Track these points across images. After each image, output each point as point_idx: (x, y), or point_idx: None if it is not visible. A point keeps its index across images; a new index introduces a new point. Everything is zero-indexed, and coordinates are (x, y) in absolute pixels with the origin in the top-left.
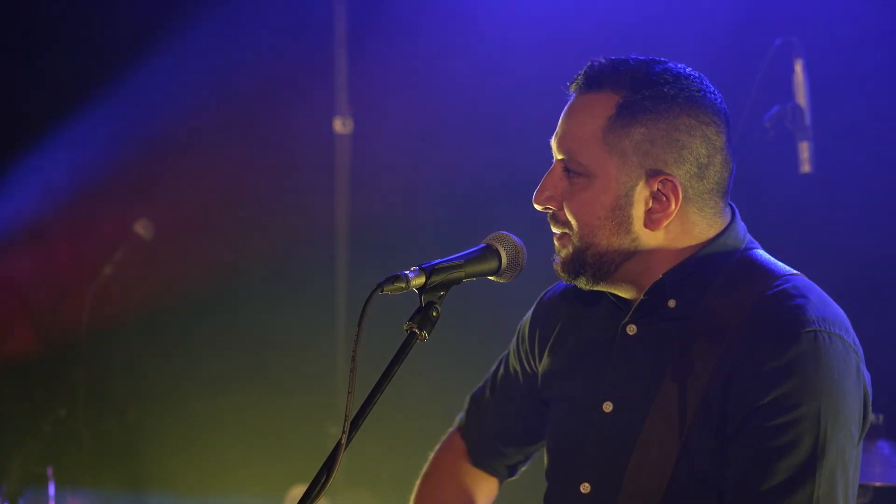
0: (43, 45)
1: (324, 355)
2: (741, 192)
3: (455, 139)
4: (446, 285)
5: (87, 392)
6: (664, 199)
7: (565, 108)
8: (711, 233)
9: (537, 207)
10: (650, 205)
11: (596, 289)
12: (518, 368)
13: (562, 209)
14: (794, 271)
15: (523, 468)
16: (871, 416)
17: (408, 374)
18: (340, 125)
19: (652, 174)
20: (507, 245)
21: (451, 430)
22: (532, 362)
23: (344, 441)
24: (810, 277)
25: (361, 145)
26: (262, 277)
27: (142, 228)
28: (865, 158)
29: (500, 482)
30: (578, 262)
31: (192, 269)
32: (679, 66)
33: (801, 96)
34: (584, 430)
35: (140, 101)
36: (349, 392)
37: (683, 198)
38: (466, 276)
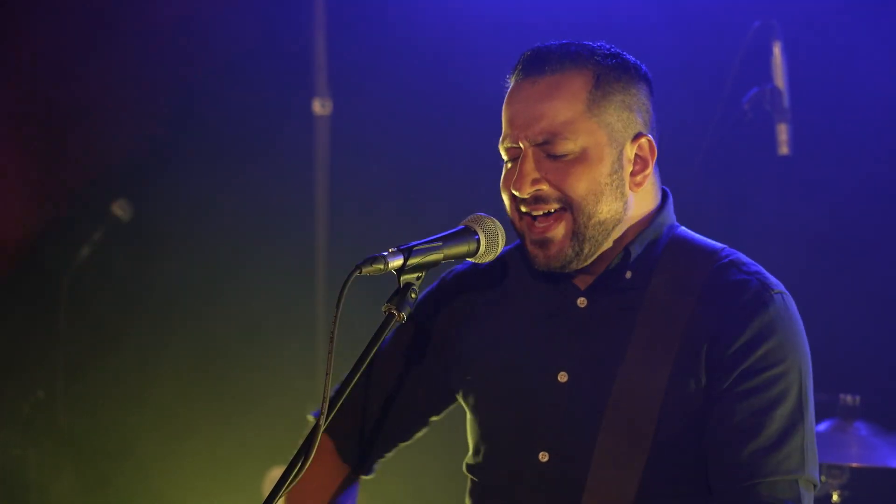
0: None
1: (303, 336)
2: (720, 174)
3: (435, 120)
4: (424, 267)
5: (66, 374)
6: (642, 160)
7: (523, 94)
8: (658, 201)
9: (520, 195)
10: (632, 167)
11: (583, 266)
12: (412, 351)
13: (551, 188)
14: (725, 245)
15: (377, 467)
16: (849, 398)
17: None
18: (319, 107)
19: (634, 137)
20: (485, 227)
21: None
22: (435, 343)
23: (322, 423)
24: (789, 260)
25: (340, 127)
26: (241, 260)
27: (119, 209)
28: (844, 140)
29: (359, 478)
30: (580, 237)
31: (170, 252)
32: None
33: (780, 78)
34: (538, 400)
35: (116, 82)
36: (327, 373)
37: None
38: (445, 258)
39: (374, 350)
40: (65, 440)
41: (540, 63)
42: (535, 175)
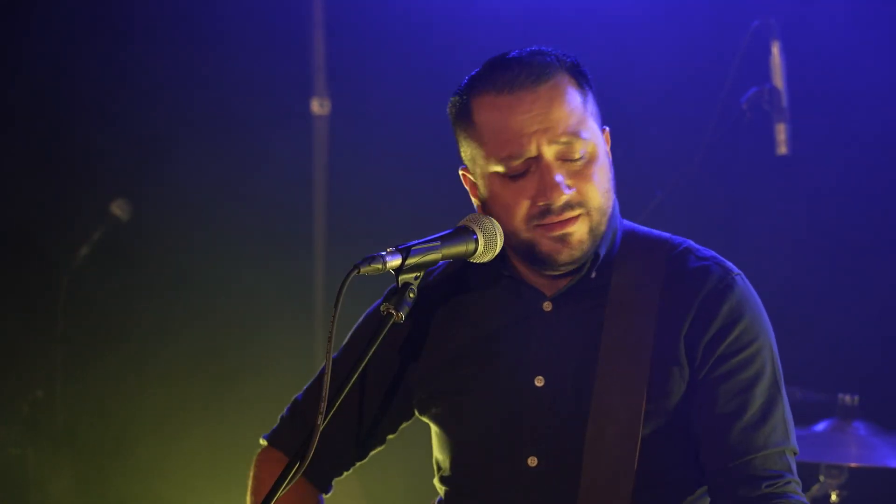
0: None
1: (301, 336)
2: (718, 174)
3: (433, 120)
4: (423, 266)
5: (65, 373)
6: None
7: (525, 106)
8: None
9: (557, 204)
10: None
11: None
12: (366, 371)
13: (578, 193)
14: (669, 233)
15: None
16: (848, 398)
17: None
18: (318, 106)
19: (603, 129)
20: (483, 226)
21: (260, 450)
22: (391, 362)
23: (320, 422)
24: (788, 260)
25: (339, 127)
26: (239, 260)
27: (118, 209)
28: (842, 140)
29: (321, 495)
30: (595, 235)
31: (168, 251)
32: None
33: (778, 78)
34: (516, 406)
35: (115, 80)
36: (326, 373)
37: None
38: (443, 258)
39: (372, 350)
40: (63, 439)
41: (527, 73)
42: (568, 181)
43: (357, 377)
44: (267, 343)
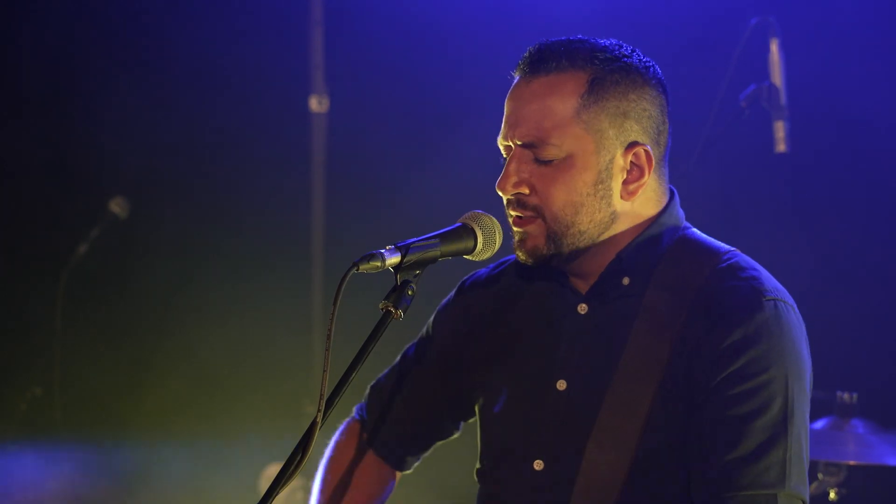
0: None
1: (299, 334)
2: (716, 172)
3: (432, 117)
4: (422, 264)
5: (63, 371)
6: (638, 168)
7: (517, 92)
8: (662, 204)
9: (503, 195)
10: (626, 176)
11: (558, 269)
12: (436, 354)
13: (532, 193)
14: (733, 248)
15: (417, 464)
16: (846, 396)
17: (386, 352)
18: (316, 104)
19: (629, 145)
20: (482, 224)
21: (348, 419)
22: (454, 348)
23: (319, 419)
24: (786, 258)
25: (337, 124)
26: (237, 257)
27: (117, 206)
28: (841, 138)
29: (396, 475)
30: (554, 244)
31: (166, 248)
32: (627, 44)
33: (777, 75)
34: (537, 408)
35: (114, 79)
36: (324, 371)
37: (654, 164)
38: (442, 255)
39: (371, 348)
40: (62, 437)
41: (537, 62)
42: (518, 178)
43: (427, 360)
44: (265, 340)
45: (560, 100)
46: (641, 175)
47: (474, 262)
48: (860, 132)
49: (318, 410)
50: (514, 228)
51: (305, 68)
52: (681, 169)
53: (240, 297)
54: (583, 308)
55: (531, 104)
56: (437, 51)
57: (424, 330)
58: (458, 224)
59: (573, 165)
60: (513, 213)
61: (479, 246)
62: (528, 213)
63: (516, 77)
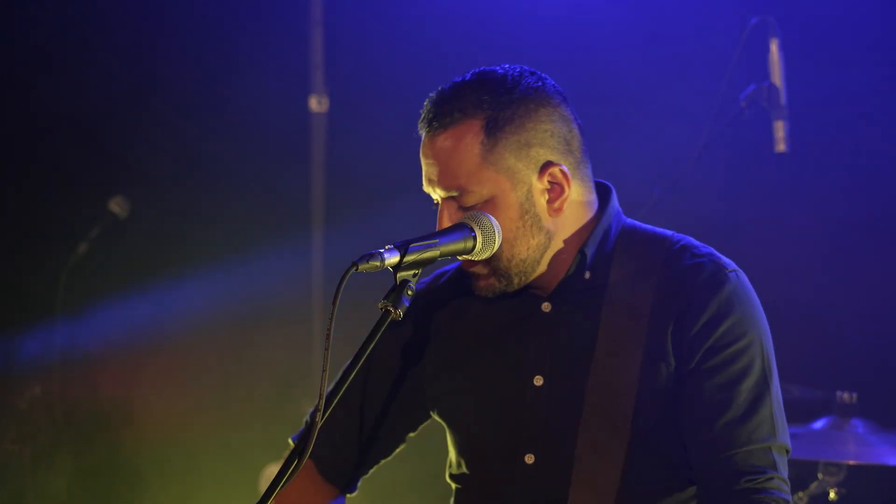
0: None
1: (299, 333)
2: (716, 171)
3: None
4: (421, 264)
5: (62, 370)
6: (557, 185)
7: (425, 150)
8: (592, 197)
9: None
10: (548, 196)
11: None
12: (386, 368)
13: None
14: (672, 231)
15: (359, 483)
16: (846, 395)
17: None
18: (316, 104)
19: (541, 170)
20: (481, 223)
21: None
22: (407, 359)
23: (318, 419)
24: (786, 257)
25: (337, 124)
26: (236, 256)
27: (117, 206)
28: (841, 137)
29: (344, 495)
30: (504, 276)
31: (167, 248)
32: (515, 66)
33: (777, 75)
34: (516, 405)
35: (114, 80)
36: (323, 370)
37: (571, 177)
38: (441, 255)
39: (370, 347)
40: (61, 436)
41: (433, 118)
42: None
43: (372, 375)
44: (264, 340)
45: (463, 150)
46: (562, 191)
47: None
48: (860, 132)
49: (318, 410)
50: (465, 270)
51: (305, 68)
52: (681, 168)
53: (240, 296)
54: (546, 306)
55: (439, 160)
56: (437, 51)
57: (364, 349)
58: (457, 224)
59: (496, 206)
60: (464, 258)
61: (478, 245)
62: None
63: (422, 133)
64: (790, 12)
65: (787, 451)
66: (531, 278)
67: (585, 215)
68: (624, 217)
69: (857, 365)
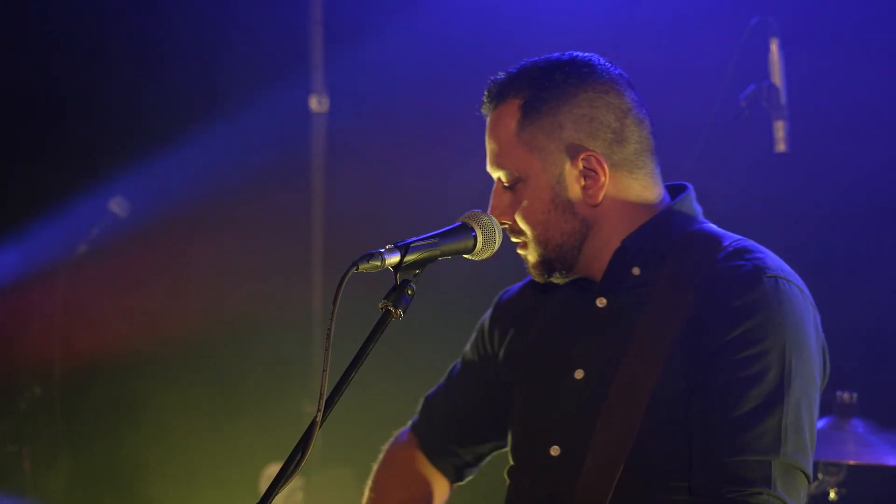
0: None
1: (299, 333)
2: (716, 171)
3: (432, 117)
4: (422, 263)
5: (62, 370)
6: (593, 173)
7: (487, 125)
8: (653, 195)
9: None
10: (583, 182)
11: (570, 278)
12: (476, 363)
13: (514, 220)
14: (744, 237)
15: (470, 476)
16: (846, 395)
17: (386, 352)
18: (316, 104)
19: (573, 155)
20: (482, 223)
21: (400, 431)
22: (492, 354)
23: (319, 419)
24: (785, 257)
25: (337, 124)
26: (236, 256)
27: (116, 206)
28: (841, 137)
29: (450, 484)
30: (546, 262)
31: (166, 248)
32: (569, 53)
33: (777, 75)
34: (555, 397)
35: (114, 79)
36: (324, 370)
37: (610, 165)
38: (442, 255)
39: (371, 347)
40: (61, 436)
41: (487, 100)
42: (499, 209)
43: (471, 367)
44: (265, 340)
45: (503, 129)
46: (598, 178)
47: (474, 261)
48: (860, 132)
49: (318, 410)
50: (521, 253)
51: (305, 68)
52: (681, 168)
53: (240, 297)
54: (602, 301)
55: (489, 138)
56: (436, 50)
57: (467, 345)
58: (457, 223)
59: (528, 186)
60: (513, 240)
61: (479, 245)
62: (520, 239)
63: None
64: (790, 12)
65: (798, 470)
66: (577, 267)
67: (640, 211)
68: (701, 220)
69: (858, 365)
